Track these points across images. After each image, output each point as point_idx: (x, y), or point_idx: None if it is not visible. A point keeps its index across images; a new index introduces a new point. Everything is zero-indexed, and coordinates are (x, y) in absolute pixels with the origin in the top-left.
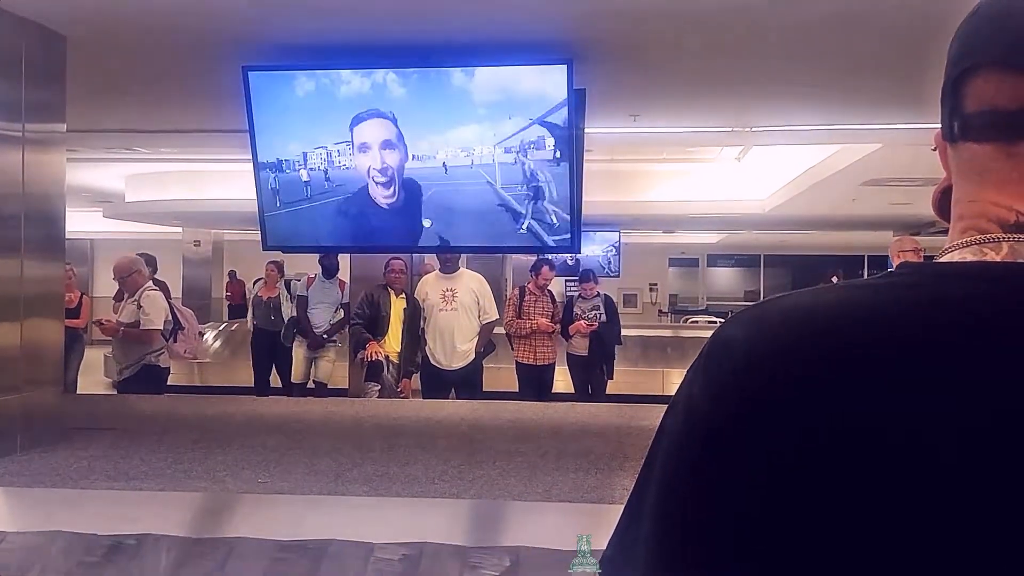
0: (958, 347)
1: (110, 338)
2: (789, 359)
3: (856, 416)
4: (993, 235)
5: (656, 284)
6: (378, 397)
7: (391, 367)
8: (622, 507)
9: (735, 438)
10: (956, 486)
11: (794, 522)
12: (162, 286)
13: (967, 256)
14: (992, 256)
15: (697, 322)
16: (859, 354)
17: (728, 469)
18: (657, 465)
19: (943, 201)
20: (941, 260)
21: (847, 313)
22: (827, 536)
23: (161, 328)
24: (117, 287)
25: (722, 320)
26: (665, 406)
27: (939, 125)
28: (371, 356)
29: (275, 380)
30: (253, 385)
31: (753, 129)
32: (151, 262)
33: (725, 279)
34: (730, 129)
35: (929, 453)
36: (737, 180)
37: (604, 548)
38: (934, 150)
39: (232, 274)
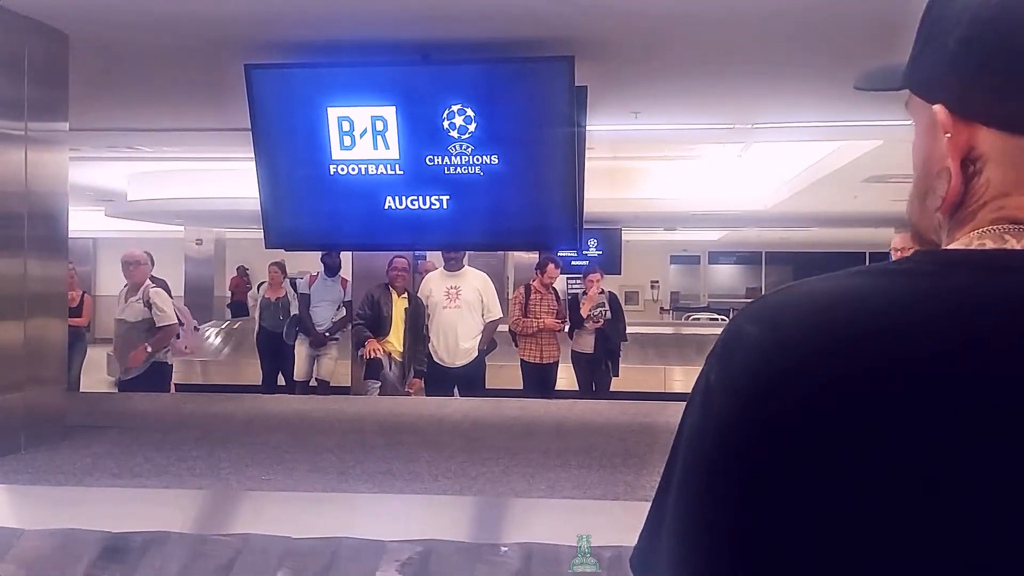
0: (970, 339)
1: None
2: (804, 350)
3: (870, 409)
4: (1021, 222)
5: (658, 281)
6: (379, 394)
7: (393, 365)
8: (624, 503)
9: (750, 430)
10: (970, 478)
11: (810, 516)
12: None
13: (986, 242)
14: (1012, 244)
15: (699, 319)
16: (874, 346)
17: (743, 462)
18: (679, 458)
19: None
20: (958, 247)
21: (862, 303)
22: (840, 529)
23: (176, 321)
24: (120, 286)
25: (724, 317)
26: (667, 403)
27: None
28: (370, 354)
29: (279, 378)
30: (262, 384)
31: (755, 126)
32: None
33: (727, 276)
34: (732, 126)
35: (944, 446)
36: (738, 177)
37: (607, 545)
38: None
39: (241, 269)
